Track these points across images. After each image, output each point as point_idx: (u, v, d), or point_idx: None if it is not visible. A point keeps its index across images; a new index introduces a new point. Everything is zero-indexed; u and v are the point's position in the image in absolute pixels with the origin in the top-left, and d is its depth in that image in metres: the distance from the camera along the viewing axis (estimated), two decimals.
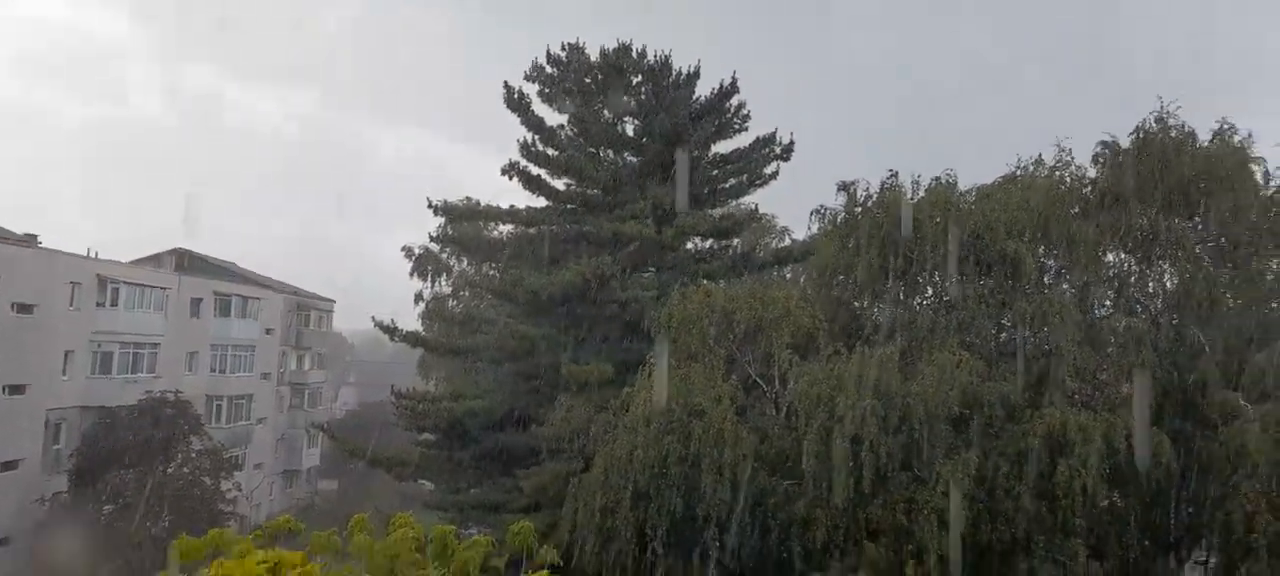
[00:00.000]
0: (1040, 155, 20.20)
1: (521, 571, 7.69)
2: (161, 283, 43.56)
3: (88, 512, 31.50)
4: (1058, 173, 20.29)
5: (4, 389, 32.40)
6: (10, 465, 32.90)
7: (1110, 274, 19.79)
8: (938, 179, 19.65)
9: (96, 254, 40.67)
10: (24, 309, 33.41)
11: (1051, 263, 19.47)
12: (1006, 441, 15.85)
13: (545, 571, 6.81)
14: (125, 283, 40.36)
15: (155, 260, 50.20)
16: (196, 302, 45.72)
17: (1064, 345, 16.77)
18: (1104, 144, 19.71)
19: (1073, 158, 20.13)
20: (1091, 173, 19.95)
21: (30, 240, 35.25)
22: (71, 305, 36.64)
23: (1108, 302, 19.79)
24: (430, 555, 7.34)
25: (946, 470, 15.13)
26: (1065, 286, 19.08)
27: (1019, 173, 20.06)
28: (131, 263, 45.71)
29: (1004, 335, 18.38)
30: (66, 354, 36.41)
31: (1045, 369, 17.17)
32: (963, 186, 19.49)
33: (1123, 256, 19.82)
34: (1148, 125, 19.05)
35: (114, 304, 39.35)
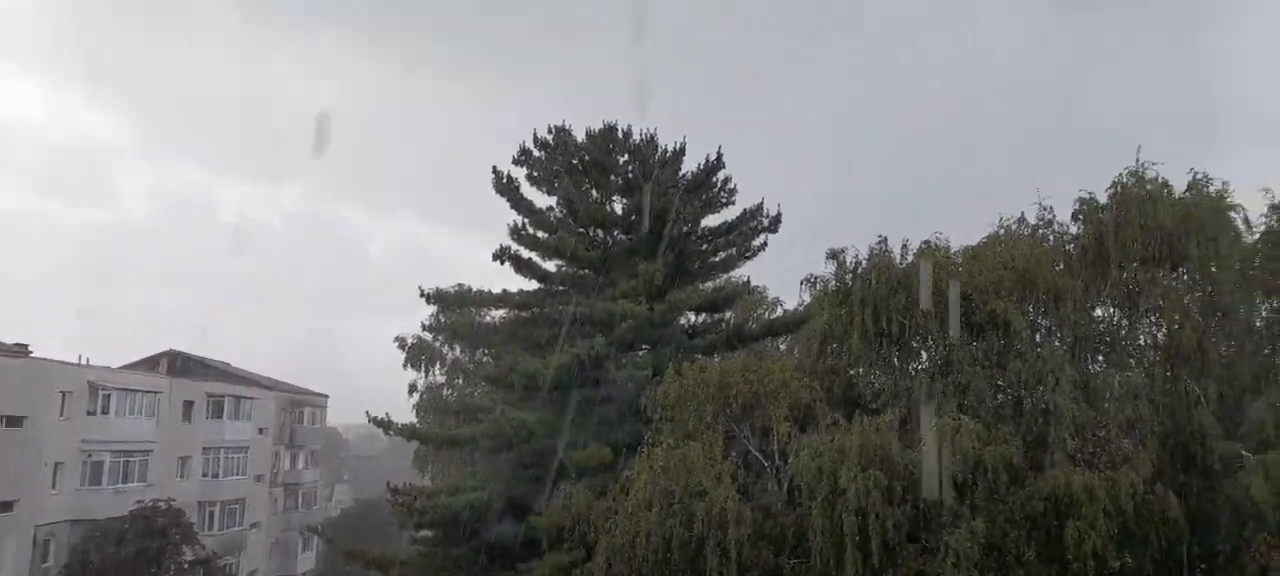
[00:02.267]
0: (1022, 214, 20.52)
1: None
2: (153, 387, 43.25)
3: None
4: (1040, 231, 20.58)
5: None
6: None
7: (1100, 329, 19.89)
8: (927, 242, 19.85)
9: (87, 360, 40.47)
10: (13, 421, 33.07)
11: (1042, 321, 19.57)
12: (1012, 505, 15.67)
13: None
14: (117, 389, 40.05)
15: (150, 363, 49.92)
16: (188, 405, 45.34)
17: (1061, 403, 16.74)
18: (1082, 200, 20.04)
19: (1054, 214, 20.47)
20: (1073, 229, 20.24)
21: (21, 350, 35.03)
22: (62, 415, 36.28)
23: (1100, 358, 19.85)
24: None
25: (954, 539, 14.92)
26: (1057, 343, 19.14)
27: (1001, 232, 20.32)
28: (123, 367, 45.44)
29: (1001, 397, 18.34)
30: (56, 466, 35.89)
31: (1044, 428, 17.10)
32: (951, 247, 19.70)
33: (1111, 310, 19.97)
34: (1123, 179, 19.42)
35: (105, 411, 38.98)
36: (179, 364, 50.49)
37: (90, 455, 37.82)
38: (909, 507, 15.58)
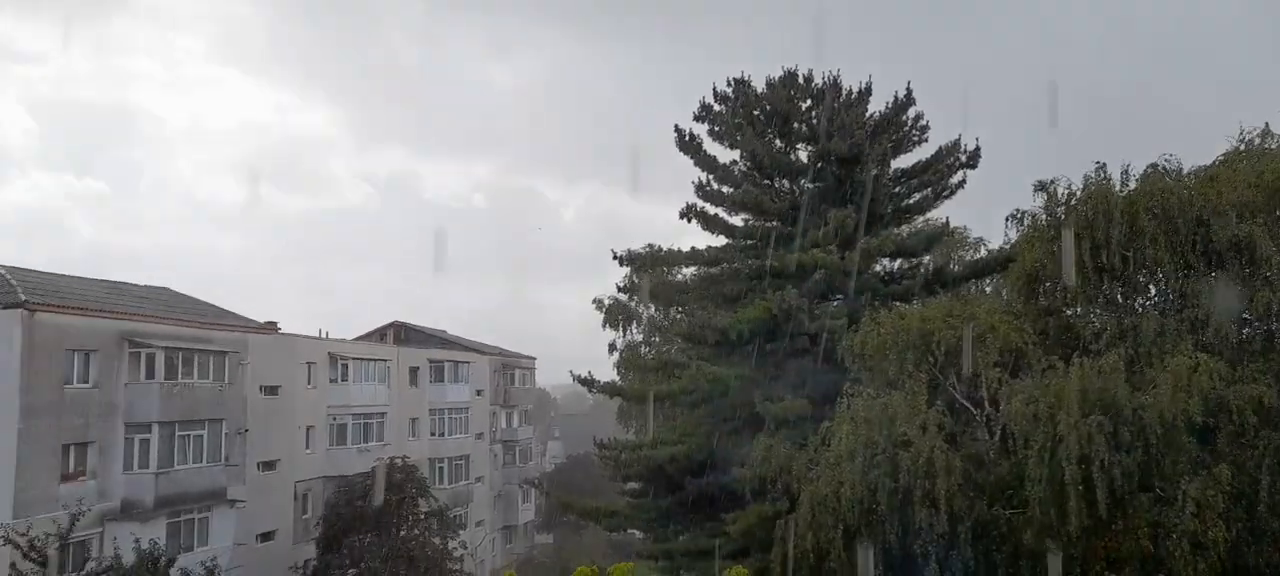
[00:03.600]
0: (1267, 125, 18.09)
1: None
2: (383, 355, 47.37)
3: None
4: None
5: (259, 465, 36.19)
6: (268, 536, 36.61)
7: None
8: (1153, 165, 18.01)
9: (326, 333, 44.90)
10: (270, 391, 37.31)
11: None
12: (1265, 450, 14.09)
13: None
14: (353, 358, 44.21)
15: (377, 334, 54.75)
16: (414, 371, 49.29)
17: None
18: None
19: None
20: None
21: (271, 327, 39.38)
22: (309, 384, 40.54)
23: None
24: None
25: (1195, 488, 13.63)
26: None
27: (1242, 148, 18.04)
28: (355, 339, 50.05)
29: (1247, 331, 16.43)
30: (308, 429, 40.24)
31: None
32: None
33: None
34: None
35: (345, 379, 43.17)
36: (402, 333, 55.01)
37: (335, 419, 42.13)
38: (1140, 454, 14.37)
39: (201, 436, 32.18)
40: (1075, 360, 15.38)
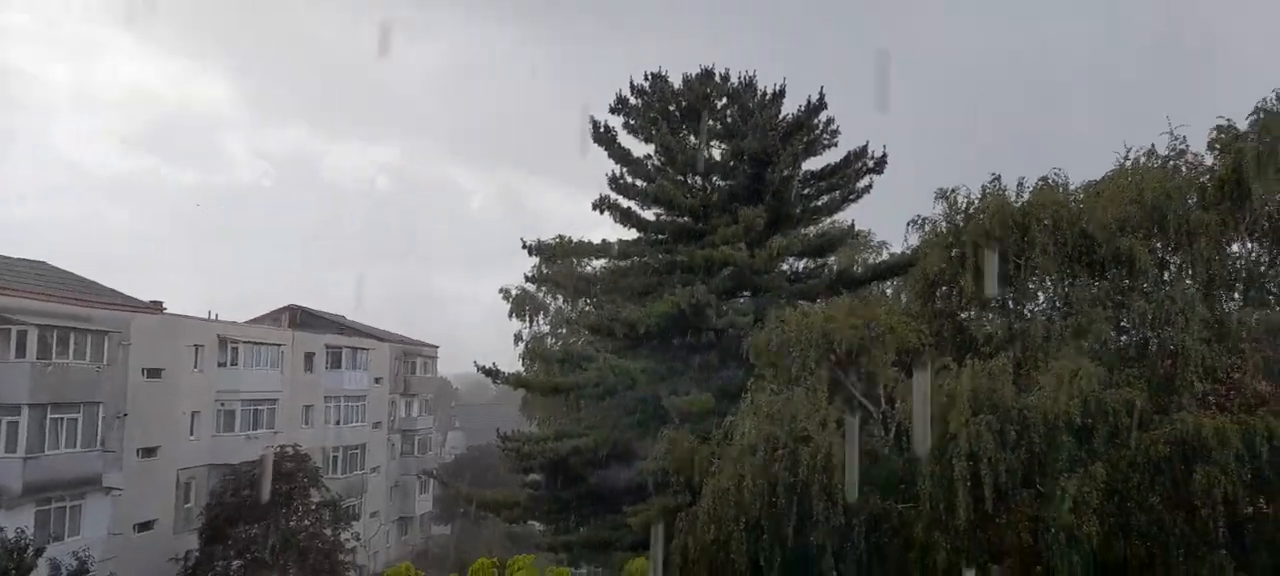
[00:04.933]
0: (1152, 146, 19.21)
1: None
2: (277, 339, 45.69)
3: (218, 569, 32.99)
4: (1172, 162, 19.26)
5: (139, 452, 34.38)
6: (146, 526, 34.85)
7: (1237, 265, 18.59)
8: (1044, 179, 18.92)
9: (216, 315, 43.01)
10: (153, 374, 35.50)
11: (1171, 259, 18.43)
12: (1136, 450, 14.96)
13: None
14: (244, 342, 42.50)
15: (272, 317, 52.76)
16: (310, 357, 47.74)
17: (1190, 344, 15.79)
18: (1220, 128, 18.59)
19: (1187, 145, 19.08)
20: (1208, 160, 18.85)
21: (156, 307, 37.46)
22: (195, 367, 38.75)
23: (1236, 296, 18.59)
24: None
25: (1072, 485, 14.37)
26: (1187, 282, 18.01)
27: (1128, 165, 19.13)
28: (248, 322, 48.11)
29: (1124, 339, 17.45)
30: (193, 415, 38.48)
31: (1172, 370, 16.20)
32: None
33: (1249, 246, 18.62)
34: (1269, 104, 17.91)
35: (234, 363, 41.46)
36: (299, 318, 53.18)
37: (222, 404, 40.41)
38: (1023, 452, 15.08)
39: (76, 420, 30.42)
40: (968, 361, 16.04)
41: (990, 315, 18.63)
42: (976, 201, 18.73)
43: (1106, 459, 14.96)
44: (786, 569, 15.68)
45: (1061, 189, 18.44)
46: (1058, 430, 14.97)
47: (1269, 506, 15.25)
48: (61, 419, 29.77)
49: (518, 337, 48.00)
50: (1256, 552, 15.07)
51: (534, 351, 44.38)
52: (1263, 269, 18.54)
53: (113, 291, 35.97)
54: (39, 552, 24.65)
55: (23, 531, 24.96)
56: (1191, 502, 14.48)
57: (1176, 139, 18.93)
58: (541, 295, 46.35)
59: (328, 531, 36.18)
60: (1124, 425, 15.16)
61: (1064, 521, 14.17)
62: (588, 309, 33.35)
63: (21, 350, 28.56)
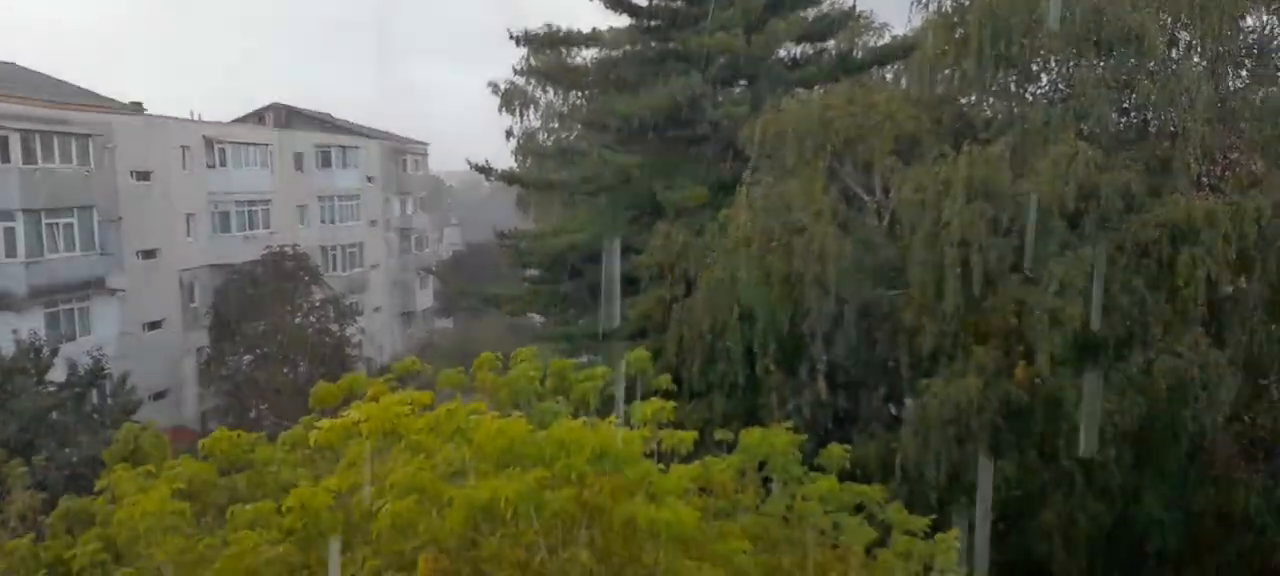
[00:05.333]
0: None
1: (636, 396, 7.92)
2: (264, 139, 45.04)
3: (230, 365, 34.15)
4: None
5: (138, 254, 34.67)
6: (155, 325, 35.70)
7: (1249, 40, 18.04)
8: None
9: (200, 116, 42.15)
10: (142, 176, 35.22)
11: (1181, 34, 17.85)
12: (1125, 234, 15.12)
13: (656, 399, 6.99)
14: (231, 143, 41.90)
15: (255, 117, 51.72)
16: (299, 156, 47.24)
17: (1191, 124, 15.60)
18: None
19: None
20: None
21: (137, 108, 36.64)
22: (184, 169, 38.39)
23: (1244, 72, 18.17)
24: (549, 388, 7.63)
25: (1059, 268, 14.62)
26: (1196, 59, 17.54)
27: None
28: (232, 122, 47.22)
29: (1125, 120, 17.22)
30: (188, 216, 38.52)
31: (1170, 153, 16.10)
32: None
33: (1265, 18, 18.00)
34: None
35: (223, 164, 41.06)
36: (283, 117, 52.11)
37: (216, 205, 40.35)
38: (1015, 238, 15.23)
39: (71, 224, 30.45)
40: (966, 148, 15.86)
41: (991, 99, 18.26)
42: None
43: (1096, 242, 15.15)
44: (779, 355, 16.23)
45: None
46: (1050, 215, 15.06)
47: (1247, 282, 15.65)
48: (57, 223, 29.80)
49: (509, 133, 47.28)
50: (1230, 329, 15.61)
51: (526, 147, 43.86)
52: (1275, 43, 18.02)
53: (89, 92, 35.00)
54: (54, 352, 25.32)
55: (35, 332, 25.54)
56: (1174, 283, 14.82)
57: None
58: (531, 89, 45.20)
59: (334, 327, 37.16)
60: (1116, 209, 15.25)
61: (1049, 304, 14.52)
62: (579, 102, 32.61)
63: (5, 156, 28.15)
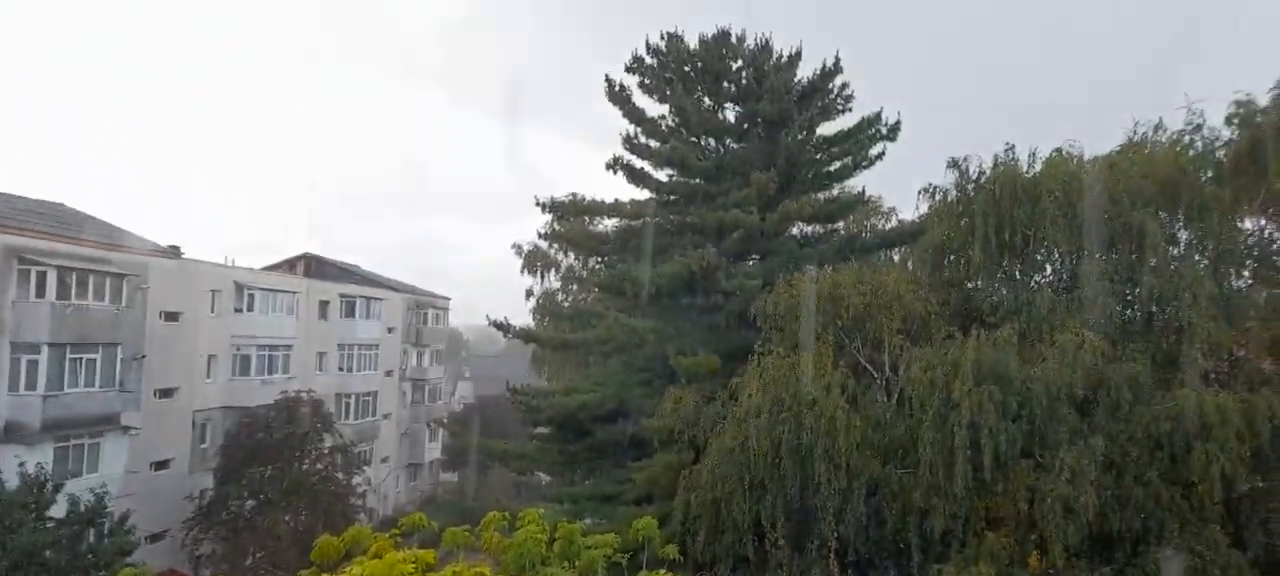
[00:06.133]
0: (1160, 119, 19.18)
1: (641, 565, 7.90)
2: (292, 287, 46.09)
3: (232, 509, 33.72)
4: (1186, 137, 19.22)
5: (156, 393, 34.98)
6: (163, 464, 35.55)
7: (1249, 242, 18.62)
8: (1058, 150, 18.92)
9: (233, 261, 43.40)
10: (171, 317, 35.95)
11: (1182, 233, 18.46)
12: (1136, 425, 15.17)
13: (664, 572, 6.99)
14: (260, 289, 42.88)
15: (288, 265, 53.16)
16: (324, 305, 48.16)
17: (1196, 320, 15.91)
18: (1238, 103, 18.52)
19: (1204, 119, 19.03)
20: (1225, 134, 18.80)
21: (174, 251, 37.83)
22: (212, 311, 39.21)
23: (1246, 273, 18.64)
24: (557, 553, 7.63)
25: (1071, 456, 14.60)
26: (1197, 258, 18.06)
27: (1136, 138, 19.10)
28: (263, 269, 48.51)
29: (1130, 312, 17.55)
30: (210, 358, 39.01)
31: (1176, 346, 16.34)
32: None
33: (1263, 223, 18.63)
34: None
35: (251, 309, 41.86)
36: (314, 266, 53.54)
37: (238, 349, 40.89)
38: (1024, 423, 15.30)
39: (95, 360, 30.90)
40: (973, 332, 16.20)
41: (997, 286, 18.75)
42: (988, 171, 18.77)
43: (1106, 432, 15.17)
44: (788, 529, 16.03)
45: (1074, 160, 18.45)
46: (1059, 402, 15.18)
47: (1264, 482, 15.48)
48: (81, 359, 30.27)
49: (529, 293, 48.34)
50: (1250, 529, 15.34)
51: (544, 307, 44.70)
52: (1275, 246, 18.56)
53: (130, 234, 36.33)
54: (57, 487, 25.22)
55: (42, 467, 25.53)
56: (1189, 478, 14.71)
57: (1193, 113, 18.89)
58: (553, 252, 46.53)
59: (339, 475, 36.82)
60: (1125, 399, 15.36)
61: (1061, 492, 14.42)
62: (598, 267, 33.50)
63: (41, 290, 28.98)
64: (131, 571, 8.02)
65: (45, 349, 28.87)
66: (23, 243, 28.90)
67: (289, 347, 44.00)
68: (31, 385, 28.62)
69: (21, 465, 24.66)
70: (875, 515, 16.22)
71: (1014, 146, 18.87)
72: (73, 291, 30.11)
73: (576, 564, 7.43)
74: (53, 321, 29.04)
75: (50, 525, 23.95)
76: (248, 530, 33.23)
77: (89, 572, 24.08)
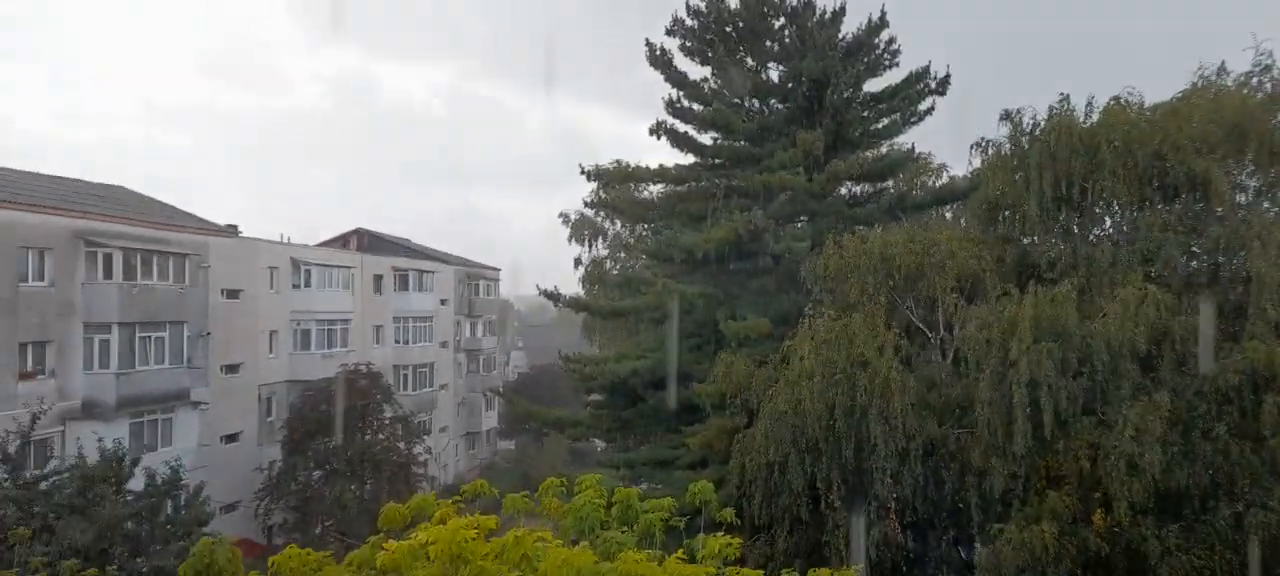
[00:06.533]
0: (1223, 63, 18.40)
1: (699, 528, 7.97)
2: (347, 262, 47.02)
3: (300, 479, 34.81)
4: (1254, 78, 18.44)
5: (223, 368, 36.12)
6: (233, 437, 36.79)
7: None
8: (1116, 99, 18.31)
9: (288, 238, 44.39)
10: (232, 294, 36.99)
11: (1250, 180, 17.80)
12: (1202, 379, 14.78)
13: (722, 535, 7.07)
14: (316, 264, 43.84)
15: (341, 240, 54.21)
16: (378, 279, 49.06)
17: (1265, 270, 15.38)
18: None
19: (1273, 60, 18.22)
20: None
21: (232, 230, 38.82)
22: (271, 288, 40.24)
23: None
24: (615, 517, 7.74)
25: (1135, 412, 14.31)
26: (1266, 205, 17.42)
27: (1199, 83, 18.37)
28: (318, 245, 49.54)
29: (1194, 264, 17.03)
30: (272, 333, 40.11)
31: (1244, 297, 15.83)
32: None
33: None
34: None
35: (308, 285, 42.86)
36: (366, 241, 54.51)
37: (299, 324, 41.96)
38: (1085, 380, 15.03)
39: (163, 338, 31.96)
40: (1030, 288, 15.90)
41: (1054, 240, 18.31)
42: (1043, 123, 18.25)
43: (1172, 387, 14.83)
44: (843, 491, 16.02)
45: (1134, 109, 17.85)
46: (1121, 357, 14.86)
47: None
48: (149, 337, 31.34)
49: (577, 261, 48.64)
50: None
51: (593, 275, 44.93)
52: None
53: (190, 215, 37.35)
54: (135, 462, 26.25)
55: (119, 442, 26.58)
56: (1260, 433, 14.33)
57: (1262, 54, 18.11)
58: (600, 220, 46.65)
59: (401, 445, 37.70)
60: (1191, 353, 14.98)
61: (1125, 449, 14.16)
62: (645, 233, 33.52)
63: (109, 272, 30.00)
64: (208, 541, 8.33)
65: (116, 328, 29.94)
66: (88, 225, 29.90)
67: (346, 321, 44.99)
68: (105, 363, 29.76)
69: (100, 441, 25.69)
70: (933, 476, 16.12)
71: (1069, 96, 18.33)
72: (138, 272, 31.12)
73: (634, 527, 7.53)
74: (121, 301, 30.07)
75: (129, 498, 24.98)
76: (316, 499, 34.30)
77: (169, 542, 25.10)
